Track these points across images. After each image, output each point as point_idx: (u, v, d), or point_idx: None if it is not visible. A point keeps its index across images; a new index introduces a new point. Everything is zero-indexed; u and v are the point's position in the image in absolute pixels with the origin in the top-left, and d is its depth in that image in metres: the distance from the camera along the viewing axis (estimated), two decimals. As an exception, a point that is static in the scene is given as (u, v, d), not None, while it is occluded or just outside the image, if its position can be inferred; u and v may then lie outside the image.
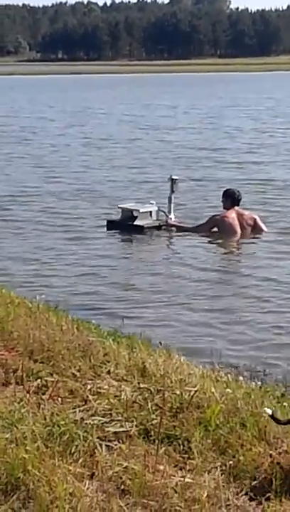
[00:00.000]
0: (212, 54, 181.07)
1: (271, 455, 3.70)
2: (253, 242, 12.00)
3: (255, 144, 24.41)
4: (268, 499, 3.43)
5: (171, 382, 4.44)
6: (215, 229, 12.38)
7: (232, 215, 12.32)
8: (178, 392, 4.28)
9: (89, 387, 4.46)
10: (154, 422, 3.99)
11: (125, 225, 12.66)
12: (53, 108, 45.15)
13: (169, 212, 12.85)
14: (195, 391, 4.26)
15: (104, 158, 21.50)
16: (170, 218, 12.76)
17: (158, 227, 12.64)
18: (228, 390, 4.43)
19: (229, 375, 4.88)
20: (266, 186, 16.20)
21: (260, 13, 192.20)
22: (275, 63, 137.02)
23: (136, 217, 12.64)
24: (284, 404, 4.49)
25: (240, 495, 3.45)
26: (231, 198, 12.52)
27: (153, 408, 4.14)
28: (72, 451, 3.71)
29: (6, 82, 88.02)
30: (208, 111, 40.00)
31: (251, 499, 3.44)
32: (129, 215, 12.73)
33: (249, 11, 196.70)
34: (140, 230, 12.49)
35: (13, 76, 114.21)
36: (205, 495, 3.37)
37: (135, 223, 12.57)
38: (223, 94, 58.48)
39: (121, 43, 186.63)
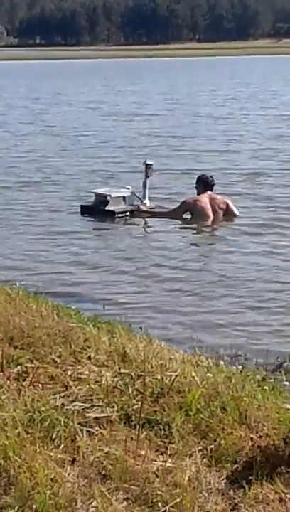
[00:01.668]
0: (190, 38, 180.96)
1: (251, 439, 3.71)
2: (225, 226, 12.06)
3: (227, 131, 24.32)
4: (249, 482, 3.44)
5: (152, 367, 4.44)
6: (188, 213, 12.46)
7: (204, 199, 12.42)
8: (158, 377, 4.28)
9: (69, 373, 4.45)
10: (135, 407, 3.99)
11: (98, 210, 12.70)
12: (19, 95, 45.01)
13: (144, 197, 12.88)
14: (176, 376, 4.26)
15: (75, 147, 21.39)
16: (145, 204, 12.79)
17: (131, 213, 12.66)
18: (209, 374, 4.44)
19: (209, 360, 4.89)
20: (232, 175, 16.09)
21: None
22: (253, 47, 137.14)
23: (108, 202, 12.67)
24: (265, 387, 4.50)
25: (221, 479, 3.46)
26: (203, 183, 12.61)
27: (134, 393, 4.14)
28: (53, 437, 3.70)
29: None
30: (180, 97, 39.92)
31: (232, 482, 3.44)
32: (101, 200, 12.76)
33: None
34: (111, 215, 12.52)
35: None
36: (187, 479, 3.37)
37: (107, 208, 12.60)
38: (198, 79, 58.41)
39: (99, 28, 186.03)
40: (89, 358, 4.72)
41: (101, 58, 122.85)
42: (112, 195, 12.71)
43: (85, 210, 12.89)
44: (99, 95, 42.95)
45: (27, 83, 59.16)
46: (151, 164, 12.93)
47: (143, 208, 12.71)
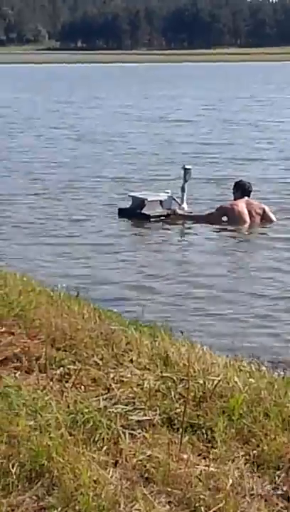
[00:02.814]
0: (232, 44, 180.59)
1: (295, 445, 3.69)
2: (263, 232, 12.06)
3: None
4: (292, 489, 3.43)
5: (194, 371, 4.42)
6: (225, 218, 12.47)
7: (241, 204, 12.45)
8: (201, 382, 4.27)
9: (111, 375, 4.46)
10: (177, 410, 3.99)
11: (134, 214, 12.79)
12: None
13: (182, 201, 12.96)
14: (219, 380, 4.25)
15: (108, 153, 21.38)
16: (183, 208, 12.86)
17: (167, 216, 12.71)
18: (251, 379, 4.42)
19: (252, 365, 4.87)
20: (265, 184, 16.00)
21: (281, 2, 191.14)
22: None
23: (144, 206, 12.75)
24: (308, 394, 4.47)
25: (264, 484, 3.45)
26: (241, 189, 12.68)
27: (177, 397, 4.13)
28: (96, 439, 3.71)
29: (25, 71, 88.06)
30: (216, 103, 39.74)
31: (275, 489, 3.43)
32: (138, 204, 12.85)
33: (270, 0, 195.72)
34: (146, 218, 12.60)
35: (32, 65, 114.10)
36: (229, 484, 3.36)
37: (142, 212, 12.67)
38: (238, 85, 58.23)
39: (140, 32, 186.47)
40: (131, 361, 4.72)
41: (142, 62, 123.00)
42: (148, 199, 12.82)
43: (123, 213, 13.01)
44: (136, 100, 42.97)
45: (65, 86, 59.41)
46: (189, 169, 12.99)
47: (180, 212, 12.76)
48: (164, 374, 4.44)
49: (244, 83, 61.20)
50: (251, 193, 12.73)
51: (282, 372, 5.21)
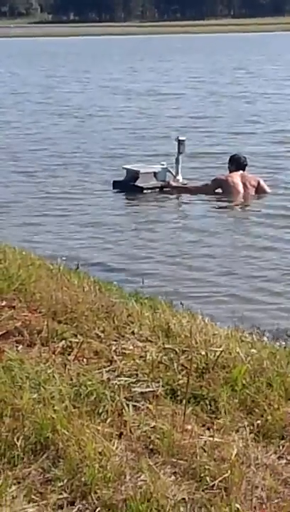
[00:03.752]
0: (225, 14, 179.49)
1: (298, 414, 3.70)
2: (257, 202, 12.08)
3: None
4: (297, 458, 3.44)
5: (196, 342, 4.43)
6: (219, 190, 12.50)
7: (235, 176, 12.46)
8: (203, 353, 4.27)
9: (114, 348, 4.46)
10: (180, 382, 3.99)
11: (128, 186, 12.79)
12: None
13: (177, 173, 12.94)
14: (221, 351, 4.25)
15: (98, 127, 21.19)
16: (177, 180, 12.86)
17: (161, 188, 12.71)
18: (253, 350, 4.42)
19: (253, 336, 4.88)
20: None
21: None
22: (288, 23, 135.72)
23: (138, 178, 12.74)
24: (310, 364, 4.48)
25: (269, 454, 3.45)
26: (236, 163, 12.71)
27: (179, 368, 4.14)
28: (100, 411, 3.71)
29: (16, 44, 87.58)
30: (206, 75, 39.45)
31: (280, 458, 3.44)
32: (132, 176, 12.84)
33: None
34: (140, 190, 12.59)
35: (25, 38, 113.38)
36: (234, 454, 3.37)
37: (136, 184, 12.67)
38: (229, 57, 57.88)
39: (133, 4, 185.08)
40: (132, 333, 4.72)
41: (135, 35, 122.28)
42: (142, 171, 12.82)
43: (117, 186, 13.03)
44: (126, 73, 42.64)
45: (56, 60, 59.01)
46: (183, 140, 12.98)
47: (174, 184, 12.77)
48: (166, 346, 4.45)
49: (236, 55, 60.83)
50: (247, 168, 12.75)
51: (284, 343, 5.23)
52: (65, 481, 3.22)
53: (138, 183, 12.73)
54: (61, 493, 3.17)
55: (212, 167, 14.38)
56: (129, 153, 16.37)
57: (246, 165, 12.77)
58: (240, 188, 12.43)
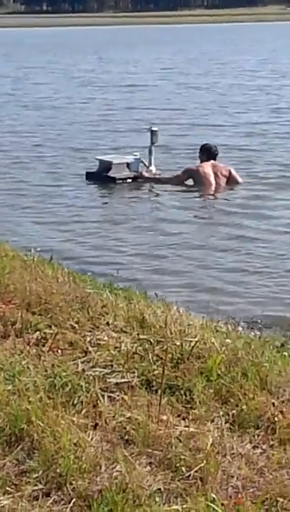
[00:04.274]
0: (199, 5, 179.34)
1: (273, 404, 3.70)
2: (228, 192, 12.11)
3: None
4: (272, 447, 3.45)
5: (171, 333, 4.42)
6: (190, 180, 12.52)
7: (207, 166, 12.47)
8: (178, 343, 4.27)
9: (88, 338, 4.45)
10: (155, 372, 3.99)
11: (101, 177, 12.78)
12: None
13: (149, 164, 12.94)
14: (196, 342, 4.25)
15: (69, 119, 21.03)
16: (151, 170, 12.87)
17: (134, 179, 12.70)
18: (228, 340, 4.43)
19: (228, 326, 4.88)
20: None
21: None
22: (262, 13, 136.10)
23: (111, 169, 12.73)
24: (284, 353, 4.50)
25: (244, 443, 3.46)
26: (207, 152, 12.72)
27: (154, 359, 4.13)
28: (75, 402, 3.70)
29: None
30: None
31: (255, 447, 3.45)
32: (105, 167, 12.83)
33: None
34: (112, 181, 12.59)
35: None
36: (210, 444, 3.37)
37: (108, 174, 12.66)
38: (200, 47, 57.84)
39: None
40: (107, 323, 4.71)
41: (108, 25, 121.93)
42: (114, 162, 12.82)
43: (90, 177, 13.03)
44: (97, 65, 42.41)
45: (27, 51, 58.65)
46: (156, 130, 12.98)
47: (146, 175, 12.79)
48: (141, 336, 4.44)
49: (208, 45, 60.83)
50: (217, 158, 12.78)
51: (258, 333, 5.24)
52: (40, 472, 3.21)
53: (111, 173, 12.73)
54: (36, 485, 3.15)
55: (183, 158, 14.36)
56: (99, 145, 16.29)
57: (217, 154, 12.78)
58: (211, 178, 12.45)
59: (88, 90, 28.62)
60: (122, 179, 12.71)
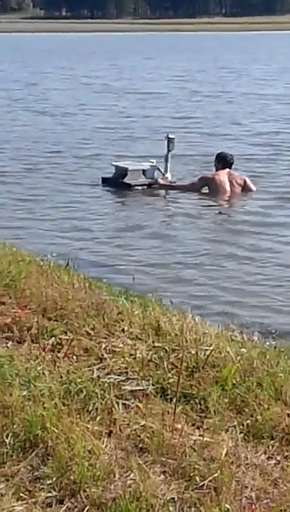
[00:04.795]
0: (217, 13, 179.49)
1: (288, 414, 3.69)
2: (243, 201, 12.12)
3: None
4: (286, 458, 3.43)
5: (186, 341, 4.41)
6: (206, 188, 12.54)
7: (222, 174, 12.52)
8: (193, 352, 4.26)
9: (104, 345, 4.45)
10: (170, 380, 3.98)
11: (116, 183, 12.82)
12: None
13: (165, 171, 12.97)
14: (211, 350, 4.24)
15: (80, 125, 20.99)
16: (166, 177, 12.90)
17: (149, 186, 12.73)
18: (243, 349, 4.41)
19: (243, 335, 4.87)
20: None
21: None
22: (280, 22, 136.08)
23: (126, 175, 12.77)
24: (299, 364, 4.48)
25: (259, 454, 3.45)
26: (223, 161, 12.78)
27: (169, 367, 4.13)
28: (90, 409, 3.70)
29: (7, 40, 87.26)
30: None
31: (269, 458, 3.43)
32: (121, 173, 12.87)
33: None
34: (128, 187, 12.62)
35: (16, 34, 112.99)
36: (224, 453, 3.36)
37: (124, 181, 12.69)
38: (217, 56, 57.79)
39: (125, 1, 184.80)
40: (122, 330, 4.70)
41: (127, 32, 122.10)
42: (130, 168, 12.86)
43: (106, 183, 13.07)
44: (113, 71, 42.38)
45: (44, 56, 58.72)
46: (173, 138, 13.02)
47: (161, 182, 12.82)
48: (156, 344, 4.44)
49: (224, 54, 60.82)
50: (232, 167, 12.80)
51: (273, 342, 5.22)
52: (54, 479, 3.21)
53: (127, 180, 12.77)
54: (50, 491, 3.15)
55: (194, 168, 14.32)
56: (114, 152, 16.24)
57: (232, 163, 12.84)
58: (227, 186, 12.50)
59: (101, 97, 28.63)
60: (138, 185, 12.74)
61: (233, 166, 12.83)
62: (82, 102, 26.62)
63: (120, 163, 13.28)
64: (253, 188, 12.62)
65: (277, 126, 20.51)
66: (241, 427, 3.65)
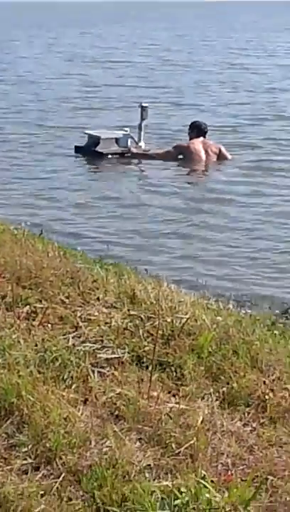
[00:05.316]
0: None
1: (264, 382, 3.70)
2: (218, 169, 12.11)
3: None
4: (262, 425, 3.44)
5: (162, 309, 4.40)
6: (181, 156, 12.50)
7: (197, 143, 12.49)
8: (169, 320, 4.25)
9: (79, 313, 4.42)
10: (146, 348, 3.97)
11: (89, 151, 12.74)
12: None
13: (139, 140, 12.91)
14: (187, 318, 4.23)
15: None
16: (140, 146, 12.83)
17: (122, 154, 12.65)
18: (219, 317, 4.41)
19: (219, 303, 4.87)
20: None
21: None
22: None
23: (99, 143, 12.69)
24: (275, 332, 4.49)
25: (235, 421, 3.45)
26: (197, 129, 12.75)
27: (145, 335, 4.11)
28: (65, 377, 3.68)
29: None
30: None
31: (245, 425, 3.44)
32: (94, 141, 12.79)
33: None
34: (100, 156, 12.54)
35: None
36: (200, 421, 3.36)
37: (96, 149, 12.62)
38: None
39: None
40: (98, 299, 4.68)
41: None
42: (103, 137, 12.77)
43: (79, 151, 12.97)
44: (90, 40, 42.01)
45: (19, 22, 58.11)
46: (146, 106, 12.95)
47: (134, 150, 12.74)
48: (132, 312, 4.42)
49: (200, 23, 60.53)
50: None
51: (249, 311, 5.23)
52: (30, 446, 3.20)
53: (99, 148, 12.70)
54: (26, 459, 3.14)
55: (165, 138, 14.24)
56: (86, 123, 16.06)
57: (206, 132, 12.81)
58: (202, 154, 12.47)
59: (72, 65, 28.35)
60: (110, 154, 12.67)
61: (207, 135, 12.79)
62: (52, 70, 26.35)
63: (93, 132, 13.19)
64: (228, 156, 12.61)
65: (248, 96, 20.44)
66: (217, 394, 3.65)
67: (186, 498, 2.84)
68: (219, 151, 12.57)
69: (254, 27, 54.42)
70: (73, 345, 4.01)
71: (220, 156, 12.54)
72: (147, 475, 3.03)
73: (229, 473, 3.07)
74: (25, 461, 3.13)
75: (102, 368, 3.83)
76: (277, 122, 16.55)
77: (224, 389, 3.68)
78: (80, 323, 4.28)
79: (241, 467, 3.13)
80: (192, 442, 3.21)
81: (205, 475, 3.00)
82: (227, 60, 29.80)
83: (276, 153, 13.37)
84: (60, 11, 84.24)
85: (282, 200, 10.27)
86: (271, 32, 47.42)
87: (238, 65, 28.34)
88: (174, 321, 4.23)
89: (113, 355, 3.93)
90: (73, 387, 3.62)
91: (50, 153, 13.29)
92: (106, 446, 3.18)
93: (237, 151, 13.27)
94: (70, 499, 2.93)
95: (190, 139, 12.74)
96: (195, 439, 3.22)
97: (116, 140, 12.82)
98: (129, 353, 3.96)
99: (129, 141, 12.83)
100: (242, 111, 18.02)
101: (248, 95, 20.61)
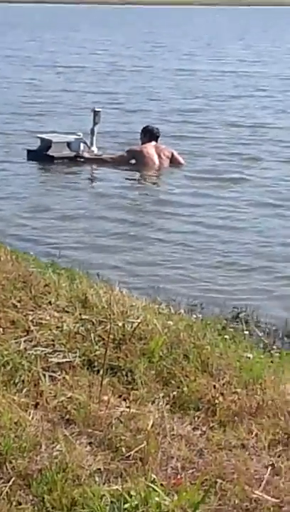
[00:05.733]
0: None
1: (214, 386, 3.73)
2: (171, 173, 12.16)
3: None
4: (211, 429, 3.47)
5: (113, 313, 4.41)
6: (133, 161, 12.54)
7: (150, 147, 12.53)
8: (120, 324, 4.26)
9: (30, 317, 4.42)
10: (97, 353, 3.98)
11: (40, 155, 12.72)
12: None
13: (91, 144, 12.91)
14: (138, 323, 4.25)
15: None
16: (92, 151, 12.83)
17: (74, 158, 12.65)
18: (170, 322, 4.44)
19: (170, 308, 4.89)
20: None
21: None
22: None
23: (50, 147, 12.68)
24: (225, 336, 4.53)
25: (185, 425, 3.48)
26: (149, 134, 12.79)
27: (96, 339, 4.12)
28: (16, 381, 3.68)
29: None
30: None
31: (195, 429, 3.47)
32: (46, 145, 12.77)
33: None
34: (51, 160, 12.53)
35: None
36: (150, 425, 3.38)
37: (48, 153, 12.61)
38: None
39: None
40: (49, 303, 4.68)
41: (73, 3, 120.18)
42: (54, 140, 12.75)
43: (30, 155, 12.93)
44: (38, 45, 41.74)
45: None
46: (99, 111, 12.95)
47: (86, 155, 12.74)
48: (83, 316, 4.42)
49: (154, 28, 60.69)
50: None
51: (200, 315, 5.26)
52: (-20, 451, 3.19)
53: (51, 152, 12.68)
54: (-25, 463, 3.13)
55: (117, 144, 14.21)
56: (33, 128, 15.87)
57: (158, 136, 12.85)
58: (155, 158, 12.51)
59: (23, 70, 28.14)
60: (61, 158, 12.66)
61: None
62: (1, 75, 26.14)
63: (45, 136, 13.16)
64: (181, 160, 12.66)
65: (199, 103, 20.51)
66: (167, 398, 3.67)
67: (136, 502, 2.86)
68: (172, 155, 12.62)
69: (207, 31, 54.70)
70: (24, 349, 4.00)
71: (173, 160, 12.60)
72: (97, 479, 3.04)
73: (179, 476, 3.09)
74: (-25, 466, 3.12)
75: (53, 372, 3.83)
76: (227, 130, 16.58)
77: (175, 393, 3.70)
78: (32, 327, 4.27)
79: (190, 471, 3.15)
80: (142, 446, 3.23)
81: (154, 479, 3.02)
82: (178, 66, 29.88)
83: (224, 160, 13.41)
84: (4, 14, 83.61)
85: (232, 206, 10.33)
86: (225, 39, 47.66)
87: (188, 70, 28.45)
88: (125, 326, 4.25)
89: (64, 360, 3.94)
90: (24, 391, 3.62)
91: (1, 159, 13.19)
92: (57, 450, 3.19)
93: (186, 159, 13.29)
94: (20, 503, 2.93)
95: (143, 143, 12.78)
96: (145, 443, 3.24)
97: (68, 144, 12.81)
98: (80, 357, 3.97)
99: (82, 145, 12.83)
100: (191, 117, 18.05)
101: (199, 102, 20.66)
